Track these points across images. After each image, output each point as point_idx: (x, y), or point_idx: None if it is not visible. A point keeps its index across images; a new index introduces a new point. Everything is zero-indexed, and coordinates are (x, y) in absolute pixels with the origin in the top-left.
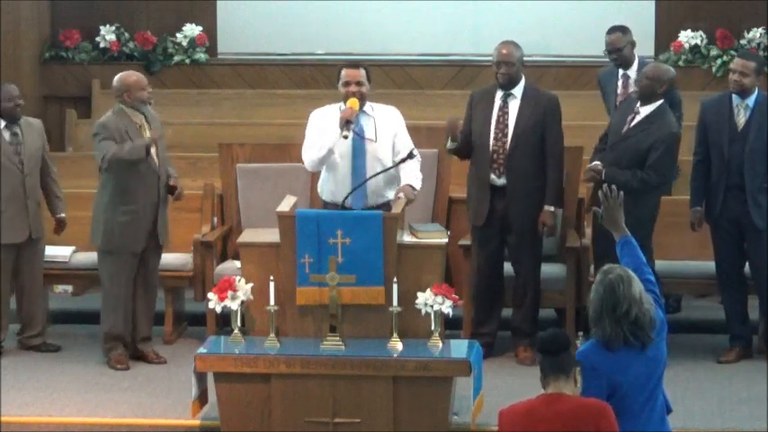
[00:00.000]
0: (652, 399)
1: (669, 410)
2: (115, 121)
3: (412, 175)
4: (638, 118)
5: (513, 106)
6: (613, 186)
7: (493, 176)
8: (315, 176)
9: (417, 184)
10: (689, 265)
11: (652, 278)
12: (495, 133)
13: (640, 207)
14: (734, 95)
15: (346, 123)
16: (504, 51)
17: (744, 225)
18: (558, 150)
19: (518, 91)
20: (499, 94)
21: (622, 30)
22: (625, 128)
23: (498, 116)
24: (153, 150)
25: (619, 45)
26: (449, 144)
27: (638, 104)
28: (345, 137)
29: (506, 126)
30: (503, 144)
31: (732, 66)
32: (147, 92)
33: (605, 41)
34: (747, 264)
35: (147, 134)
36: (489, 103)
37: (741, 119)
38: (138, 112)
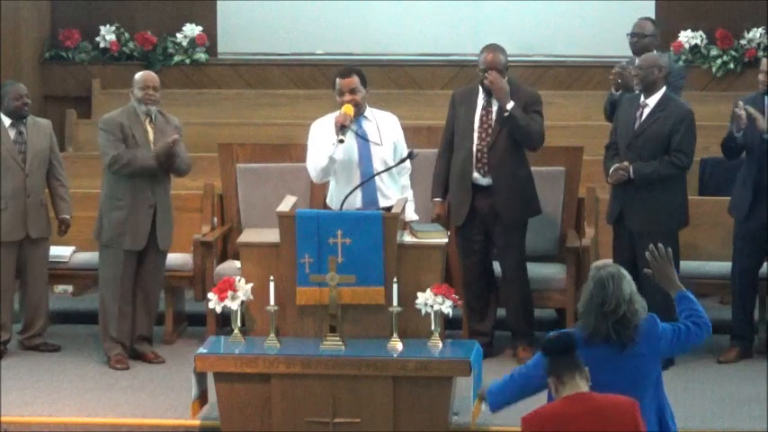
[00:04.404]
0: None
1: None
2: (120, 117)
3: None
4: (647, 110)
5: (496, 105)
6: (660, 245)
7: (476, 175)
8: None
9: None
10: (689, 265)
11: (701, 314)
12: (479, 132)
13: (671, 197)
14: (766, 96)
15: (341, 128)
16: (491, 57)
17: None
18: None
19: None
20: (482, 95)
21: (654, 22)
22: (637, 123)
23: (482, 115)
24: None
25: (645, 31)
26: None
27: (642, 98)
28: (341, 141)
29: (490, 126)
30: (487, 143)
31: (761, 66)
32: (145, 92)
33: (633, 24)
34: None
35: (151, 136)
36: (472, 104)
37: None
38: (143, 113)
